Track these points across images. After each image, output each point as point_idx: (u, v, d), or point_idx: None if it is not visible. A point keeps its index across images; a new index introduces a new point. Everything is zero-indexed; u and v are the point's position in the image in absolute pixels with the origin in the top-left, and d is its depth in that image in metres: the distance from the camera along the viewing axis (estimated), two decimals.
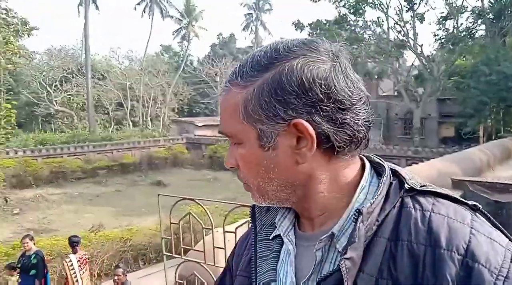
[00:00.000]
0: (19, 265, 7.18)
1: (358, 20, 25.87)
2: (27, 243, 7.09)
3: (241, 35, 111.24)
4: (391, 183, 0.74)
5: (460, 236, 0.66)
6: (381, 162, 0.78)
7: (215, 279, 3.45)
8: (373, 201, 0.70)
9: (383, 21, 25.75)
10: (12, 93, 31.21)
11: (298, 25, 26.86)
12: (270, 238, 0.84)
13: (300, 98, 0.69)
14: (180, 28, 45.57)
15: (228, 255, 3.31)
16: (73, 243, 7.14)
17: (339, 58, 0.72)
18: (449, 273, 0.63)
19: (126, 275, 6.26)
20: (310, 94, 0.68)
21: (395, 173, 0.76)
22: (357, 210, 0.69)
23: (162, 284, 7.85)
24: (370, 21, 25.92)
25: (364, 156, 0.80)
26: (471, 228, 0.67)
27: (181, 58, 46.62)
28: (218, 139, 27.67)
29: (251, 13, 52.94)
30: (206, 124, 33.77)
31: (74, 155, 22.83)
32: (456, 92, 23.55)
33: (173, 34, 46.84)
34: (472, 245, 0.65)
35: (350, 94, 0.71)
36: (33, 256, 6.99)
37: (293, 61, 0.69)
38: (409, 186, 0.73)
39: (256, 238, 0.85)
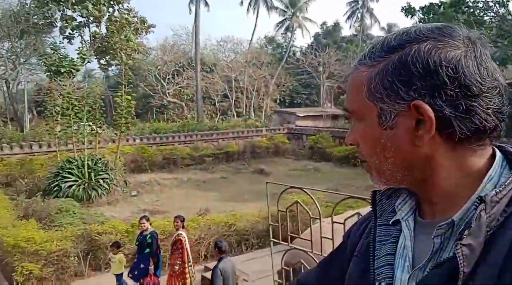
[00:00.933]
0: (137, 243, 7.85)
1: (478, 1, 23.49)
2: (144, 223, 7.64)
3: (346, 24, 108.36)
4: None
5: None
6: None
7: None
8: (499, 191, 0.68)
9: (508, 1, 23.05)
10: (132, 86, 34.36)
11: (409, 10, 25.25)
12: (390, 223, 0.85)
13: (424, 80, 0.69)
14: (284, 19, 45.86)
15: (335, 246, 3.18)
16: (183, 220, 7.57)
17: (475, 45, 0.71)
18: None
19: (225, 252, 6.39)
20: (434, 76, 0.68)
21: None
22: (479, 197, 0.68)
23: (265, 269, 8.04)
24: (492, 1, 23.37)
25: (496, 145, 0.77)
26: None
27: (284, 49, 46.95)
28: (319, 130, 27.40)
29: (357, 1, 51.15)
30: (307, 115, 33.65)
31: (184, 143, 24.33)
32: None
33: (277, 25, 47.37)
34: None
35: (482, 81, 0.69)
36: (148, 235, 7.51)
37: (422, 44, 0.70)
38: None
39: (376, 223, 0.87)
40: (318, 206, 3.22)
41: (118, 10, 36.27)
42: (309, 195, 3.27)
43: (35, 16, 33.36)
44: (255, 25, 46.91)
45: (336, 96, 44.98)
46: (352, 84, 0.79)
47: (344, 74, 44.73)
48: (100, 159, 15.60)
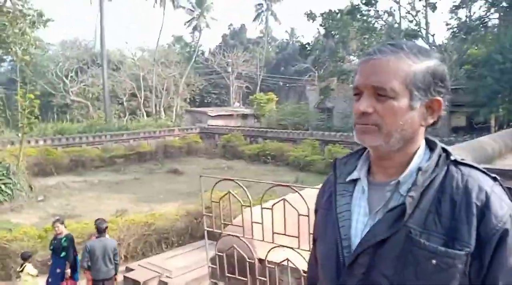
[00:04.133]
0: (51, 248, 7.58)
1: (370, 10, 25.95)
2: (58, 226, 7.38)
3: (252, 25, 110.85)
4: (440, 155, 1.09)
5: (483, 194, 1.00)
6: (434, 140, 1.14)
7: (253, 252, 3.85)
8: (428, 164, 1.05)
9: (395, 11, 25.83)
10: (29, 83, 31.77)
11: (310, 15, 27.02)
12: (346, 181, 1.18)
13: (443, 84, 1.07)
14: (192, 18, 45.76)
15: (265, 230, 3.71)
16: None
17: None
18: (474, 214, 0.98)
19: (100, 232, 6.93)
20: (445, 83, 1.07)
21: (443, 149, 1.11)
22: (419, 168, 1.05)
23: (186, 265, 8.29)
24: (382, 11, 26.00)
25: None
26: (492, 190, 1.01)
27: (193, 49, 46.86)
28: (231, 129, 28.04)
29: (262, 4, 52.84)
30: (218, 114, 34.12)
31: (92, 144, 23.23)
32: (468, 81, 23.58)
33: (185, 24, 47.10)
34: (489, 200, 0.99)
35: None
36: (63, 239, 7.27)
37: (437, 60, 1.06)
38: (453, 158, 1.08)
39: (335, 181, 1.21)
40: (249, 195, 3.67)
41: (10, 0, 33.30)
42: (240, 185, 3.68)
43: None
44: (162, 23, 46.22)
45: (245, 96, 46.11)
46: (396, 69, 1.02)
47: (251, 74, 46.01)
48: (0, 162, 14.45)
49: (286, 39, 58.48)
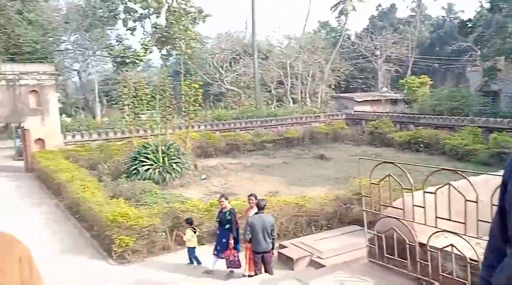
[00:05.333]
0: (217, 220, 8.57)
1: None
2: (223, 201, 8.26)
3: (402, 4, 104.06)
4: None
5: None
6: None
7: (413, 235, 3.84)
8: None
9: None
10: (189, 74, 35.59)
11: None
12: None
13: None
14: (338, 2, 45.14)
15: (427, 214, 3.69)
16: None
17: None
18: None
19: (260, 208, 7.51)
20: None
21: None
22: None
23: (336, 247, 8.47)
24: None
25: None
26: None
27: (339, 33, 46.32)
28: (379, 115, 27.14)
29: None
30: (365, 100, 33.28)
31: (245, 130, 25.12)
32: None
33: (331, 9, 46.75)
34: None
35: None
36: (227, 213, 8.14)
37: None
38: None
39: None
40: (410, 178, 3.66)
41: (176, 0, 37.66)
42: (401, 168, 3.70)
43: (101, 10, 35.42)
44: (308, 10, 46.54)
45: (393, 80, 43.94)
46: None
47: (401, 57, 43.51)
48: (172, 144, 16.64)
49: (443, 16, 53.59)
